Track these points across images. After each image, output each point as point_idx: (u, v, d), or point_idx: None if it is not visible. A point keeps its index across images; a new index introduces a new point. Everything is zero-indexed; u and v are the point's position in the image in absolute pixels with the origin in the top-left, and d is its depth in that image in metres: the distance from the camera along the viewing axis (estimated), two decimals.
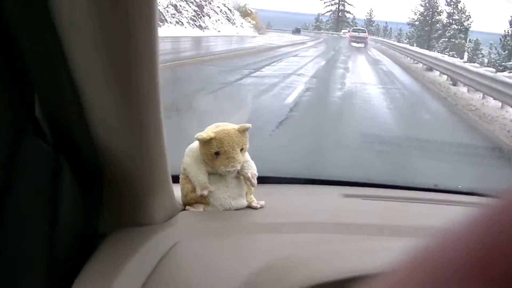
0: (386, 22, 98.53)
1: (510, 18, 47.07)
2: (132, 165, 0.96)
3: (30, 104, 0.79)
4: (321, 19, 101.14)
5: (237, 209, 1.29)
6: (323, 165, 5.14)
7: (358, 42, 45.33)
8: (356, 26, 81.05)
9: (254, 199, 1.32)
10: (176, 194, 1.22)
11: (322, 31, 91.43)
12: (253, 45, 30.12)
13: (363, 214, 1.38)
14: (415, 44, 54.11)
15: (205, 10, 44.03)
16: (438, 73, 19.59)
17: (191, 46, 26.24)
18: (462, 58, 33.17)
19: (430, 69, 20.98)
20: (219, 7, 49.88)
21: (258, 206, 1.31)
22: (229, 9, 53.02)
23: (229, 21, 50.72)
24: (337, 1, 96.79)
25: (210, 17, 44.59)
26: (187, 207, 1.27)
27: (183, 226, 1.14)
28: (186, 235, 1.09)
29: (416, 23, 70.77)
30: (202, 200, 1.26)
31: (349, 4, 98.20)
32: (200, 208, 1.26)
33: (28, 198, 0.80)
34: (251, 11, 58.88)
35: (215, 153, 1.22)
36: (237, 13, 55.96)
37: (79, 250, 0.96)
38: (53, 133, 0.84)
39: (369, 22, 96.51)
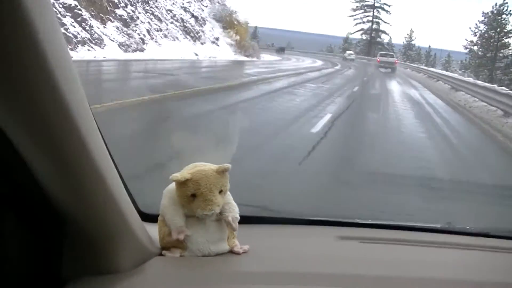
0: (429, 47, 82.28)
1: None
2: (85, 211, 0.94)
3: None
4: (350, 40, 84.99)
5: (217, 255, 1.24)
6: (319, 205, 4.69)
7: (386, 68, 44.41)
8: (392, 50, 68.36)
9: (237, 243, 1.28)
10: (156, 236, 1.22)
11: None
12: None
13: (361, 261, 1.31)
14: (474, 77, 37.29)
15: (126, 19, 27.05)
16: None
17: None
18: None
19: None
20: (171, 11, 32.52)
21: (241, 251, 1.27)
22: (194, 16, 36.01)
23: (187, 34, 33.51)
24: (371, 18, 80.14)
25: (132, 32, 27.37)
26: (164, 251, 1.23)
27: (154, 273, 1.10)
28: (156, 284, 1.07)
29: (475, 47, 52.64)
30: (179, 244, 1.22)
31: (385, 22, 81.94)
32: (177, 253, 1.22)
33: None
34: (238, 22, 41.74)
35: (191, 195, 1.19)
36: (212, 24, 39.00)
37: None
38: None
39: (409, 46, 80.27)
